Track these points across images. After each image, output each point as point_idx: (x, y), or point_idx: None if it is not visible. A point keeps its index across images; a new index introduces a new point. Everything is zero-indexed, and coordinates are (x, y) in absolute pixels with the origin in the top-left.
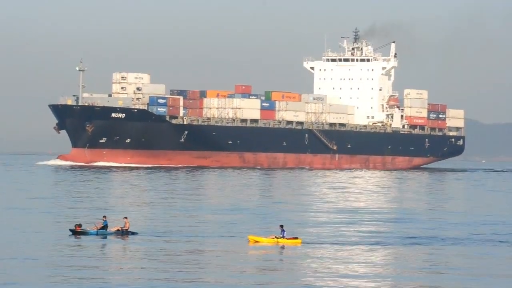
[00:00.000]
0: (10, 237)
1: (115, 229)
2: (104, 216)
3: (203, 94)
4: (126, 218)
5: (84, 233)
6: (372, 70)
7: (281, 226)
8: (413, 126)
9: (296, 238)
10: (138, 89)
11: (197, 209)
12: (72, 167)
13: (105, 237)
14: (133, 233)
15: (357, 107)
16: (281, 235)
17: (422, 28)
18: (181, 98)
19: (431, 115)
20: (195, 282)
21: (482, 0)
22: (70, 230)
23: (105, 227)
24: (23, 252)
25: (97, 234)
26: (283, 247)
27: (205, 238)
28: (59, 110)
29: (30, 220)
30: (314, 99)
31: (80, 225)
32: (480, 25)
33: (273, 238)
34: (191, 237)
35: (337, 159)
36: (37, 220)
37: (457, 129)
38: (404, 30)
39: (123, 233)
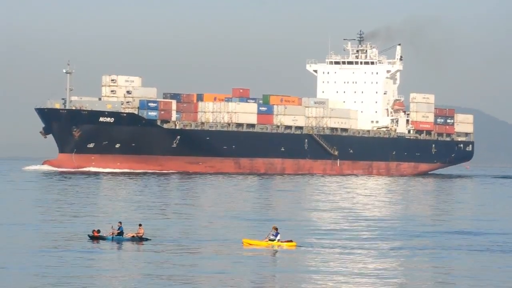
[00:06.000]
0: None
1: (130, 235)
2: (120, 222)
3: (200, 98)
4: (140, 225)
5: (102, 238)
6: (377, 73)
7: (276, 228)
8: (419, 131)
9: (290, 241)
10: (128, 92)
11: (195, 215)
12: (60, 173)
13: (121, 243)
14: (147, 239)
15: (361, 111)
16: (274, 237)
17: (433, 29)
18: (174, 101)
19: (438, 120)
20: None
21: None
22: (89, 235)
23: (120, 233)
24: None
25: (112, 240)
26: (277, 250)
27: (202, 242)
28: (45, 114)
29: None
30: (315, 103)
31: (98, 231)
32: None
33: (267, 241)
34: (188, 241)
35: (338, 164)
36: (48, 229)
37: (466, 134)
38: (416, 32)
39: (138, 239)
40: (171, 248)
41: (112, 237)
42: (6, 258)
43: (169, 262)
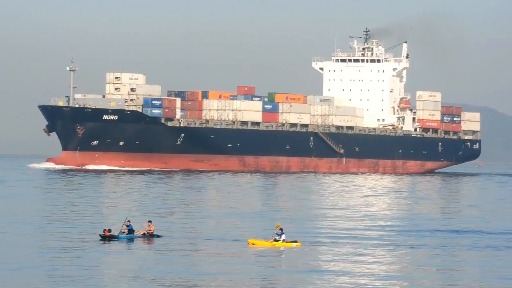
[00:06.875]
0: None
1: (141, 232)
2: (129, 221)
3: (204, 95)
4: (150, 221)
5: (113, 237)
6: (383, 71)
7: (281, 229)
8: (425, 129)
9: (295, 241)
10: (132, 90)
11: (200, 213)
12: (64, 170)
13: (132, 241)
14: (158, 236)
15: (367, 109)
16: (279, 237)
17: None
18: (179, 99)
19: (445, 118)
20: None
21: None
22: (100, 235)
23: (130, 231)
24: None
25: (124, 239)
26: (282, 251)
27: (207, 242)
28: (49, 112)
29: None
30: (320, 100)
31: (109, 230)
32: None
33: (272, 242)
34: (193, 240)
35: (344, 163)
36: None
37: (473, 132)
38: (423, 30)
39: (149, 236)
40: (176, 248)
41: (124, 236)
42: (19, 258)
43: (173, 262)
